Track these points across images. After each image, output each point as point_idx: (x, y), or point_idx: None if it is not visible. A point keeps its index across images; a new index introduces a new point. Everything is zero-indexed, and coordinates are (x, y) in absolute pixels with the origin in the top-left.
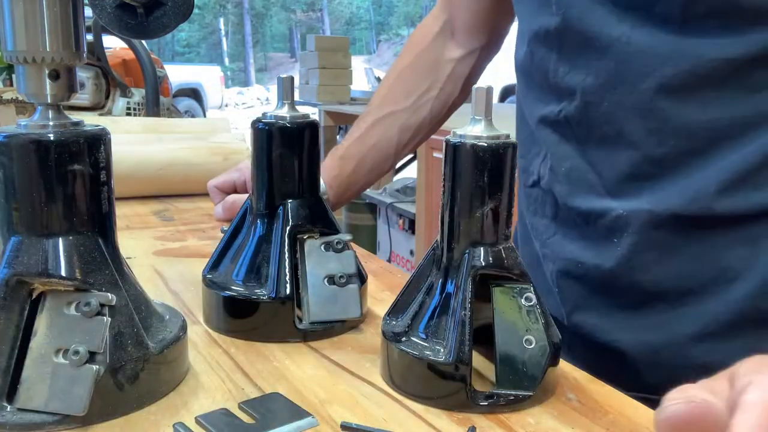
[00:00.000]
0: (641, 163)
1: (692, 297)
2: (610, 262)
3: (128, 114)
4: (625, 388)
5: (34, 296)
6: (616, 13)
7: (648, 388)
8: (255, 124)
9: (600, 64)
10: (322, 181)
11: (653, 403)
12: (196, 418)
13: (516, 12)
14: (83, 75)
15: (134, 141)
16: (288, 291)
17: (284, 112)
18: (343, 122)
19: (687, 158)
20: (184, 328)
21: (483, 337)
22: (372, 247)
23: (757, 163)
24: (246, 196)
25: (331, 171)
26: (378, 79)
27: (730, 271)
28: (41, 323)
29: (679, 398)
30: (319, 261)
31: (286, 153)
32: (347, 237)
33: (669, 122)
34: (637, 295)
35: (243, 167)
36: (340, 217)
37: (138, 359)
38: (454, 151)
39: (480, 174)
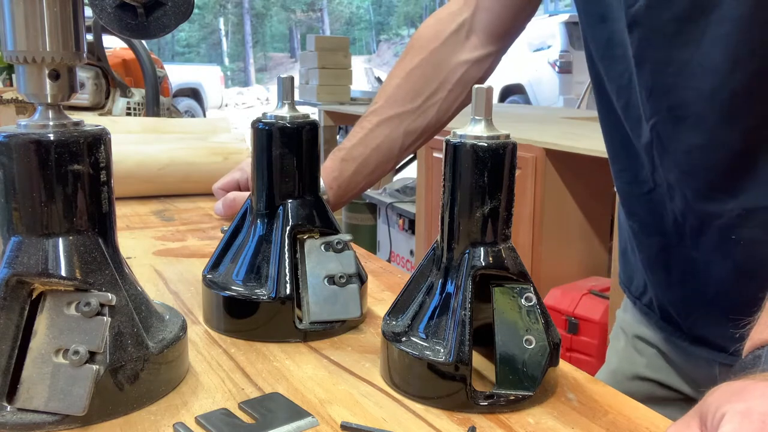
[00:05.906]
0: None
1: None
2: None
3: (128, 114)
4: None
5: (34, 296)
6: None
7: None
8: (255, 124)
9: None
10: (321, 182)
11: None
12: (196, 418)
13: None
14: (83, 75)
15: (134, 141)
16: (288, 291)
17: (284, 112)
18: (342, 122)
19: None
20: (184, 328)
21: (483, 337)
22: (372, 247)
23: None
24: (248, 194)
25: (331, 172)
26: (378, 79)
27: None
28: (41, 323)
29: None
30: (319, 261)
31: (286, 153)
32: (347, 237)
33: None
34: None
35: (245, 166)
36: (340, 217)
37: (138, 359)
38: (454, 151)
39: (480, 174)
